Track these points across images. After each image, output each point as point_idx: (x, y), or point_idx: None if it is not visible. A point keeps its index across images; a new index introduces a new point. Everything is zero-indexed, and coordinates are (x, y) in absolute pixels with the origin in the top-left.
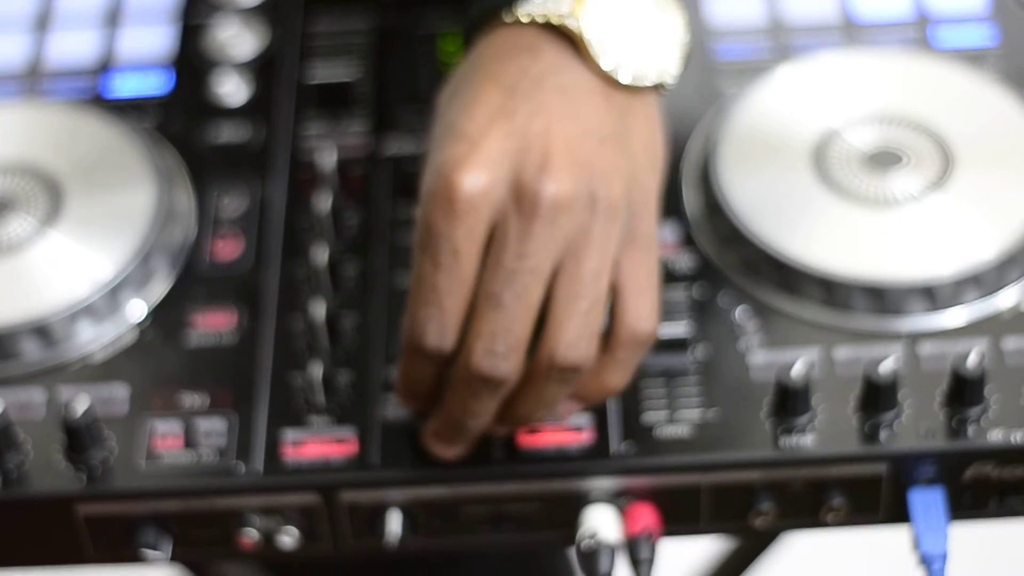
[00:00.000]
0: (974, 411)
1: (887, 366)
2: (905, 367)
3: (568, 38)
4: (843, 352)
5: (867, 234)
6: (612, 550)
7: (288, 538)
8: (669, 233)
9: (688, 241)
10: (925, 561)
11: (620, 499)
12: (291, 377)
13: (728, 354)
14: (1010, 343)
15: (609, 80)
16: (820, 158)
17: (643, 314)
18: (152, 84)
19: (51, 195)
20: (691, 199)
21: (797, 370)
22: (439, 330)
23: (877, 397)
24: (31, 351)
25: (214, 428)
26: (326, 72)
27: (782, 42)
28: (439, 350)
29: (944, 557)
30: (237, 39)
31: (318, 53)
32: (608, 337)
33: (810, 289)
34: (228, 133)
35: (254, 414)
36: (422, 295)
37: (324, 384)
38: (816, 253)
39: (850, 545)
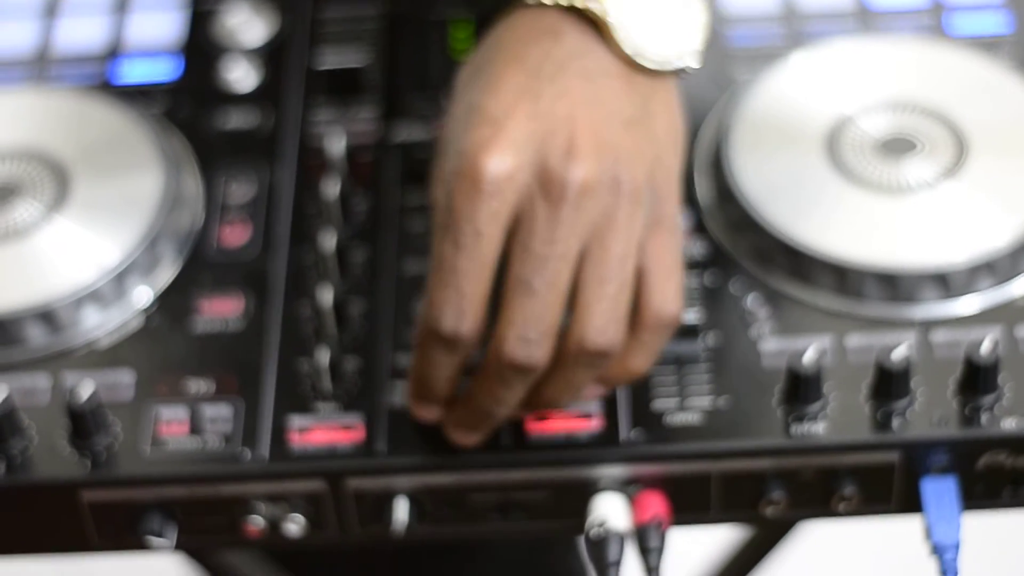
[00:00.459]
0: (987, 399)
1: (899, 353)
2: (918, 355)
3: (591, 22)
4: (855, 339)
5: (880, 221)
6: (621, 538)
7: (294, 526)
8: (681, 220)
9: (700, 228)
10: (937, 551)
11: (629, 487)
12: (298, 363)
13: (739, 341)
14: None
15: (632, 64)
16: (833, 145)
17: (668, 297)
18: (160, 70)
19: (58, 181)
20: (703, 186)
21: (809, 357)
22: (457, 313)
23: (889, 385)
24: (36, 336)
25: (220, 414)
26: (336, 58)
27: (796, 29)
28: (456, 334)
29: (957, 547)
30: (246, 25)
31: (328, 39)
32: (633, 320)
33: (822, 276)
34: (236, 119)
35: (260, 400)
36: (441, 277)
37: (331, 370)
38: (829, 240)
39: (866, 536)
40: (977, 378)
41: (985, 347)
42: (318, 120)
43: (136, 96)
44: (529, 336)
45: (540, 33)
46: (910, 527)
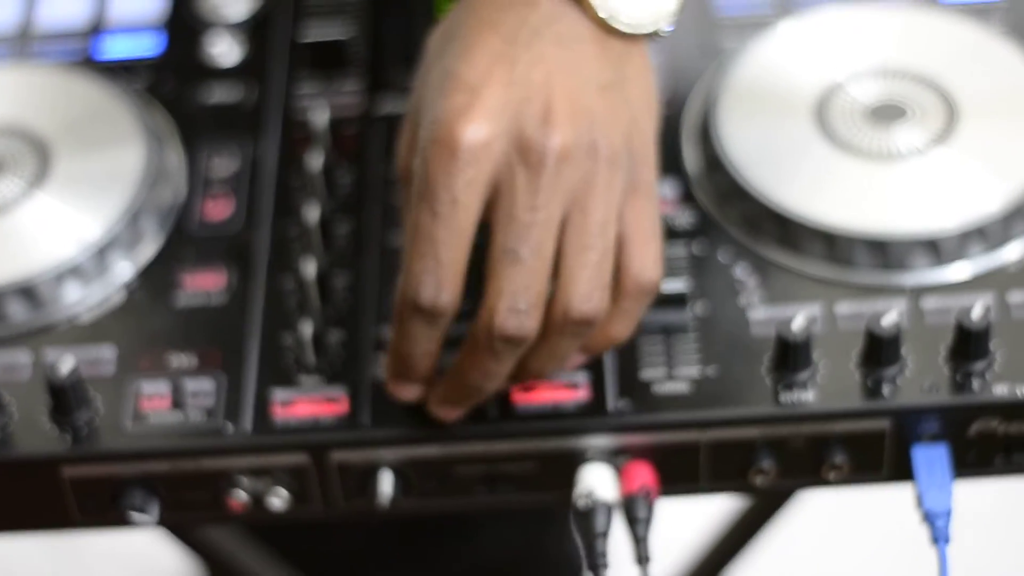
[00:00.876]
0: (979, 365)
1: (890, 319)
2: (909, 321)
3: None
4: (845, 307)
5: (870, 188)
6: (609, 509)
7: (278, 500)
8: (669, 189)
9: (688, 197)
10: (928, 518)
11: (617, 458)
12: (281, 337)
13: (728, 310)
14: (1016, 296)
15: (606, 28)
16: (822, 112)
17: (648, 263)
18: (143, 46)
19: (39, 156)
20: (691, 155)
21: (798, 324)
22: (436, 283)
23: (880, 351)
24: (17, 312)
25: (202, 388)
26: (320, 31)
27: None
28: (435, 305)
29: (948, 514)
30: (230, 0)
31: (312, 12)
32: (613, 288)
33: (812, 244)
34: (220, 94)
35: (243, 374)
36: (419, 247)
37: (314, 343)
38: (818, 207)
39: (861, 505)
40: (968, 344)
41: (976, 313)
42: (302, 94)
43: (119, 72)
44: (519, 306)
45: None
46: (906, 495)
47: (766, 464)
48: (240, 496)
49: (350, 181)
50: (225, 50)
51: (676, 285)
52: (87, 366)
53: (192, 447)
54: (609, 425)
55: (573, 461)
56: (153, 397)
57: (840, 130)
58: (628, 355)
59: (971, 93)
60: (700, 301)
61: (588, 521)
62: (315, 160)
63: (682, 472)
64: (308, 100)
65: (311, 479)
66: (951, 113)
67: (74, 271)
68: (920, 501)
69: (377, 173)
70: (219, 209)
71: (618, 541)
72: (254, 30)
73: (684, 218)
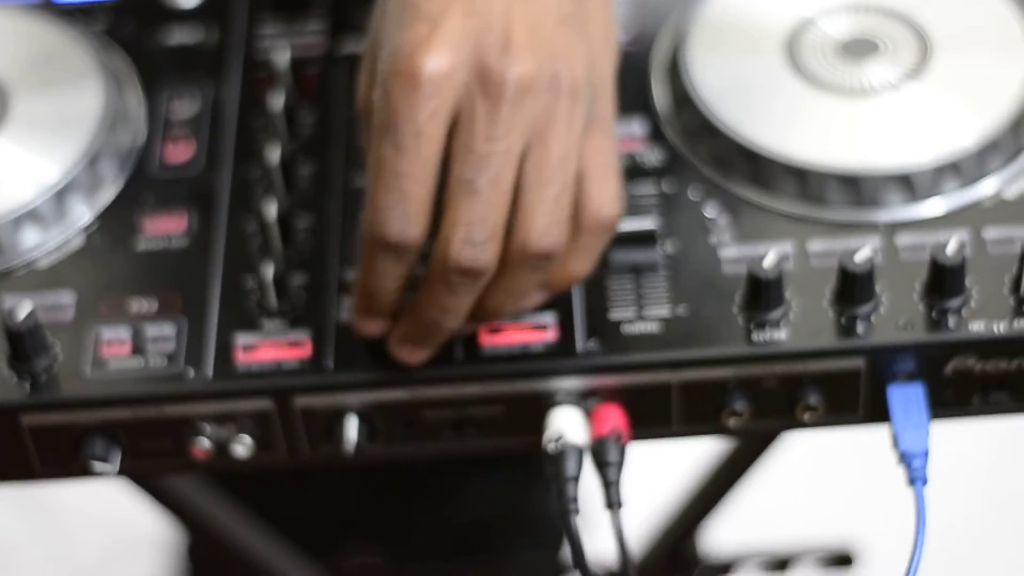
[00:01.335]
0: (954, 302)
1: (863, 255)
2: (883, 258)
3: None
4: (818, 244)
5: (842, 124)
6: (580, 452)
7: (241, 447)
8: (637, 127)
9: (657, 135)
10: (905, 459)
11: (587, 400)
12: (243, 280)
13: (698, 249)
14: (991, 232)
15: None
16: (793, 47)
17: (606, 199)
18: None
19: None
20: (660, 92)
21: (769, 260)
22: (403, 217)
23: (853, 288)
24: None
25: (162, 333)
26: None
27: None
28: (402, 239)
29: (925, 455)
30: None
31: None
32: (572, 224)
33: (783, 181)
34: (181, 36)
35: (204, 319)
36: (383, 181)
37: (276, 286)
38: (789, 143)
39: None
40: (944, 280)
41: (951, 248)
42: (264, 34)
43: (77, 15)
44: (475, 238)
45: None
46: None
47: (739, 406)
48: (203, 444)
49: (312, 122)
50: None
51: (645, 223)
52: (45, 312)
53: (153, 393)
54: (578, 366)
55: (542, 404)
56: (113, 343)
57: (811, 65)
58: (597, 295)
59: (945, 27)
60: (670, 240)
61: (558, 465)
62: (276, 100)
63: (654, 415)
64: (270, 41)
65: (275, 425)
66: (924, 48)
67: (31, 215)
68: (896, 441)
69: (340, 113)
70: (179, 152)
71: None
72: None
73: (653, 156)
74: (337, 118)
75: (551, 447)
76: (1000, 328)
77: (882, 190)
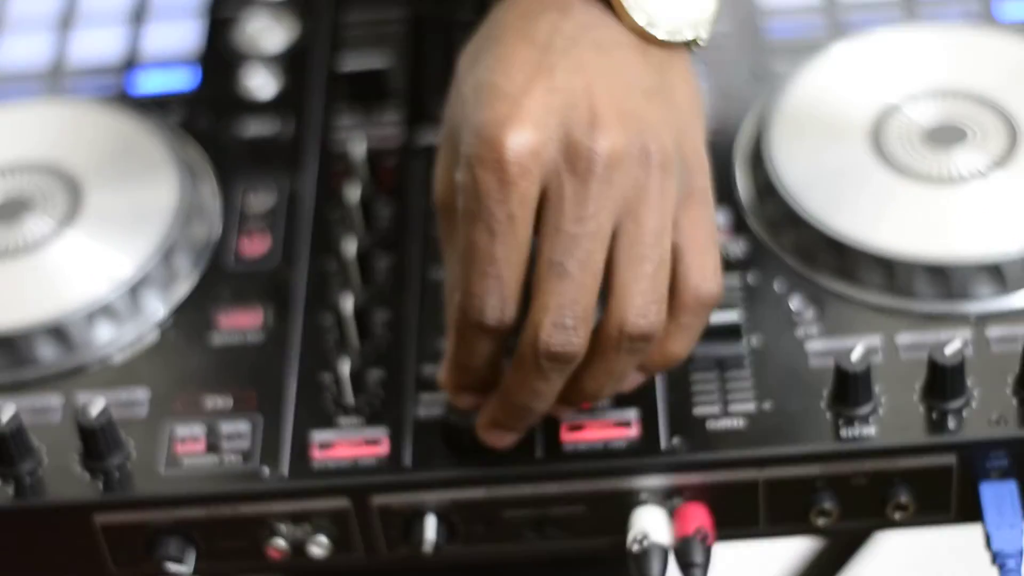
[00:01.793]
0: None
1: (953, 348)
2: (974, 351)
3: None
4: (907, 337)
5: (930, 213)
6: (664, 552)
7: (318, 548)
8: (721, 218)
9: (741, 226)
10: (997, 559)
11: (670, 500)
12: (320, 377)
13: (784, 342)
14: None
15: (644, 35)
16: (879, 135)
17: (707, 275)
18: (178, 80)
19: (70, 193)
20: (743, 183)
21: (857, 354)
22: (500, 303)
23: (944, 382)
24: (48, 354)
25: (237, 431)
26: (358, 62)
27: (837, 19)
28: (500, 324)
29: (1020, 554)
30: (267, 32)
31: (351, 43)
32: (671, 302)
33: (870, 272)
34: (256, 127)
35: (280, 416)
36: (479, 267)
37: (354, 382)
38: (876, 234)
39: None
40: None
41: None
42: (341, 126)
43: (152, 107)
44: (565, 322)
45: (546, 8)
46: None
47: (828, 504)
48: (279, 544)
49: (389, 214)
50: (262, 83)
51: (730, 316)
52: (119, 408)
53: (227, 492)
54: (662, 464)
55: (624, 503)
56: (187, 440)
57: (897, 153)
58: (680, 390)
59: None
60: (755, 334)
61: (642, 566)
62: (353, 192)
63: (740, 514)
64: (346, 132)
65: (352, 525)
66: (1013, 134)
67: (105, 310)
68: (989, 541)
69: (418, 206)
70: (255, 245)
71: None
72: (291, 62)
73: (737, 247)
74: (414, 210)
75: (635, 548)
76: None
77: (972, 281)
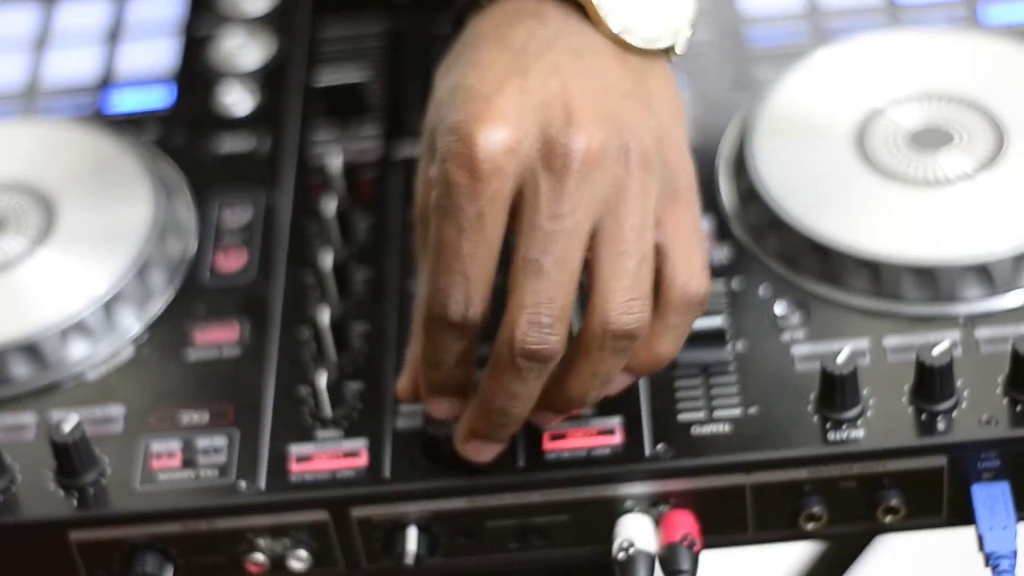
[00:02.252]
0: None
1: (941, 348)
2: (963, 353)
3: (573, 2)
4: (894, 340)
5: (917, 215)
6: (651, 560)
7: (298, 562)
8: (705, 225)
9: (725, 233)
10: (990, 561)
11: (656, 508)
12: (297, 390)
13: (770, 347)
14: None
15: (620, 42)
16: (863, 139)
17: (694, 273)
18: (154, 99)
19: (44, 212)
20: (727, 189)
21: (843, 356)
22: (464, 298)
23: (932, 383)
24: (21, 371)
25: (214, 445)
26: (336, 76)
27: (820, 26)
28: (464, 320)
29: (1014, 555)
30: (243, 49)
31: (328, 59)
32: (658, 302)
33: (856, 275)
34: (232, 143)
35: (258, 430)
36: (444, 262)
37: (331, 394)
38: (861, 237)
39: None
40: None
41: None
42: (318, 140)
43: (128, 125)
44: (542, 320)
45: (521, 16)
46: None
47: (817, 508)
48: (258, 559)
49: (367, 227)
50: (238, 99)
51: (714, 322)
52: (94, 425)
53: (204, 506)
54: (647, 471)
55: (609, 511)
56: (163, 456)
57: (883, 157)
58: (665, 397)
59: (1020, 114)
60: (740, 339)
61: (629, 573)
62: (329, 205)
63: (728, 520)
64: (324, 146)
65: (331, 538)
66: (999, 136)
67: (79, 327)
68: (981, 543)
69: (396, 219)
70: (231, 260)
71: None
72: (268, 78)
73: (721, 254)
74: (392, 223)
75: (621, 556)
76: None
77: (960, 282)
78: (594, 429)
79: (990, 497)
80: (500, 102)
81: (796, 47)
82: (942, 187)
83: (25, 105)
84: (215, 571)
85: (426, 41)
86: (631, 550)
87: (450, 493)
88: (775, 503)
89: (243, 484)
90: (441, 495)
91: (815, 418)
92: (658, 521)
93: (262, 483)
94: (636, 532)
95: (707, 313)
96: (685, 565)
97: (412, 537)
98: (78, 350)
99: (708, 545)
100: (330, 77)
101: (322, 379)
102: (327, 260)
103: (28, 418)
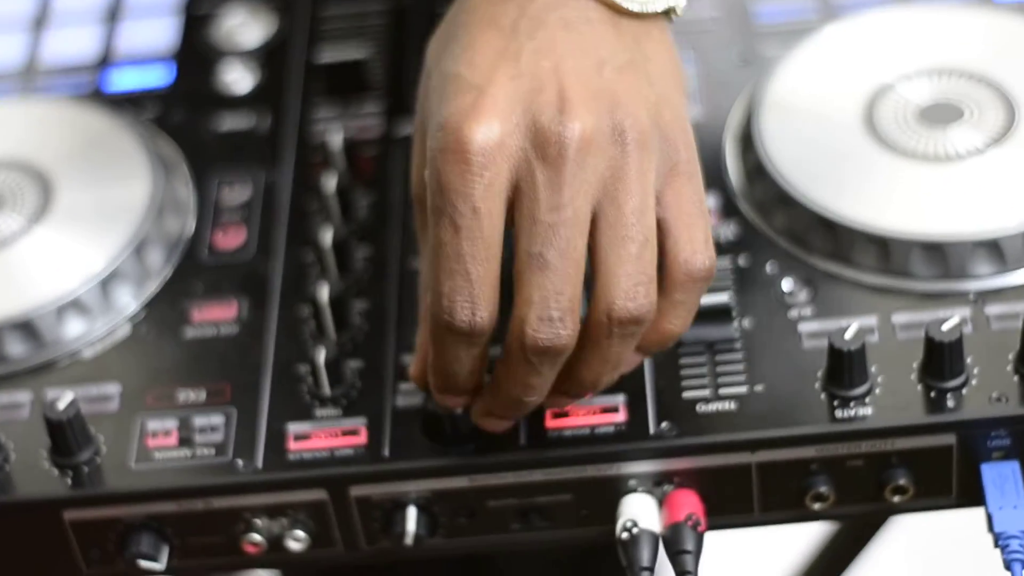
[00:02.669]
0: None
1: (951, 323)
2: (973, 330)
3: None
4: (903, 317)
5: (926, 191)
6: (655, 539)
7: (295, 543)
8: (711, 202)
9: (731, 210)
10: (1000, 541)
11: (660, 487)
12: (296, 368)
13: (777, 324)
14: None
15: (615, 7)
16: (872, 115)
17: (697, 247)
18: (154, 77)
19: (41, 190)
20: (734, 166)
21: (851, 331)
22: (470, 302)
23: (942, 360)
24: (16, 349)
25: (211, 424)
26: (337, 53)
27: (828, 2)
28: (472, 326)
29: (1023, 535)
30: (244, 27)
31: (329, 36)
32: (663, 279)
33: (865, 252)
34: (232, 121)
35: (255, 408)
36: (445, 265)
37: (330, 372)
38: (870, 213)
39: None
40: None
41: None
42: (319, 118)
43: (126, 104)
44: (551, 315)
45: None
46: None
47: (823, 488)
48: (255, 539)
49: (368, 204)
50: (238, 77)
51: (720, 298)
52: (90, 404)
53: (200, 485)
54: (651, 449)
55: (613, 490)
56: (159, 434)
57: (892, 132)
58: (669, 374)
59: None
60: (746, 316)
61: (631, 554)
62: (329, 181)
63: (733, 500)
64: (324, 124)
65: (330, 517)
66: (1011, 111)
67: (75, 305)
68: (991, 523)
69: (397, 196)
70: (230, 239)
71: None
72: (269, 56)
73: (728, 230)
74: (393, 201)
75: (624, 536)
76: None
77: (970, 258)
78: (597, 407)
79: (1000, 476)
80: (491, 92)
81: (804, 23)
82: (952, 163)
83: (24, 84)
84: (211, 551)
85: (428, 18)
86: (635, 530)
87: (450, 472)
88: (781, 482)
89: (240, 463)
90: (441, 474)
91: (822, 396)
92: (662, 501)
93: (259, 462)
94: (640, 512)
95: (713, 290)
96: (689, 545)
97: (412, 517)
98: (74, 328)
99: (713, 526)
100: (331, 54)
101: (321, 356)
102: (327, 237)
103: (23, 396)
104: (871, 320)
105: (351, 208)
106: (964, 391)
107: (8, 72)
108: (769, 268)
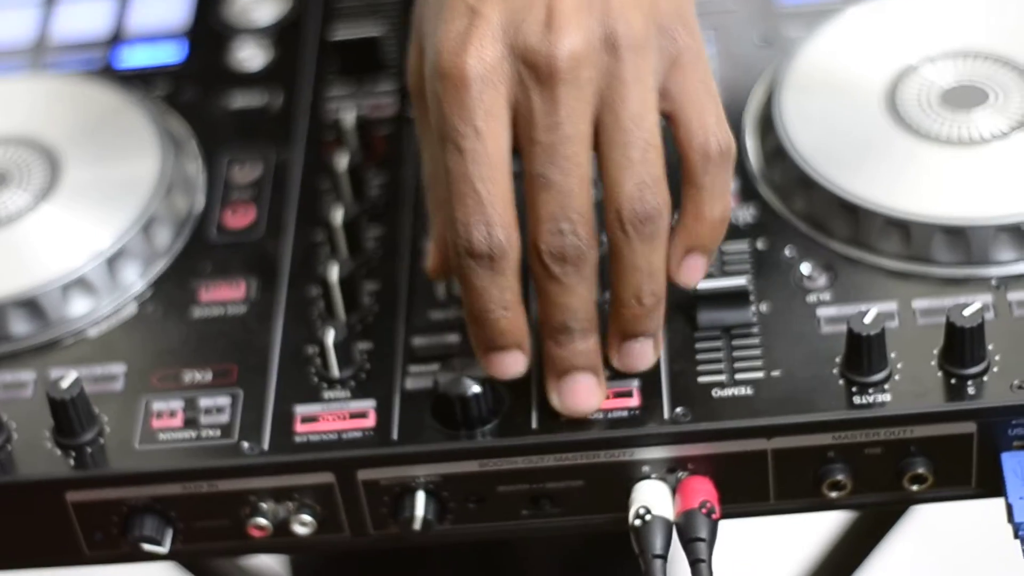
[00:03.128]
0: None
1: (973, 308)
2: (995, 316)
3: None
4: (924, 303)
5: (949, 175)
6: (669, 526)
7: (302, 527)
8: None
9: (750, 193)
10: (1020, 533)
11: (673, 474)
12: (304, 349)
13: (795, 309)
14: None
15: None
16: (895, 97)
17: (709, 131)
18: (165, 54)
19: (48, 166)
20: (753, 148)
21: (871, 316)
22: (484, 222)
23: (963, 346)
24: (20, 328)
25: (216, 405)
26: (351, 30)
27: None
28: (491, 246)
29: None
30: (257, 4)
31: (343, 14)
32: (684, 169)
33: (886, 236)
34: (244, 99)
35: (263, 390)
36: (456, 190)
37: (338, 353)
38: (891, 196)
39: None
40: None
41: None
42: (332, 96)
43: (137, 81)
44: (562, 227)
45: None
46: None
47: (841, 476)
48: (261, 522)
49: (380, 184)
50: (251, 55)
51: (737, 282)
52: (94, 383)
53: (205, 467)
54: (665, 435)
55: (626, 476)
56: (164, 415)
57: (915, 115)
58: (684, 358)
59: None
60: (764, 301)
61: (643, 541)
62: (341, 160)
63: (748, 488)
64: (337, 102)
65: (337, 501)
66: None
67: (80, 283)
68: (1011, 514)
69: (410, 176)
70: (239, 217)
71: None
72: (282, 34)
73: (747, 213)
74: (406, 180)
75: (637, 522)
76: None
77: (993, 243)
78: (611, 391)
79: (1020, 465)
80: (484, 14)
81: (826, 4)
82: (976, 146)
83: (34, 60)
84: (216, 535)
85: None
86: (648, 517)
87: (460, 456)
88: (797, 470)
89: (246, 445)
90: (450, 458)
91: (840, 381)
92: (675, 488)
93: (266, 444)
94: (653, 498)
95: (730, 273)
96: (703, 533)
97: (420, 501)
98: (79, 306)
99: (728, 514)
100: (345, 32)
101: (330, 338)
102: (338, 215)
103: (27, 375)
104: (891, 305)
105: (363, 187)
106: (985, 378)
107: (19, 48)
108: (788, 252)
